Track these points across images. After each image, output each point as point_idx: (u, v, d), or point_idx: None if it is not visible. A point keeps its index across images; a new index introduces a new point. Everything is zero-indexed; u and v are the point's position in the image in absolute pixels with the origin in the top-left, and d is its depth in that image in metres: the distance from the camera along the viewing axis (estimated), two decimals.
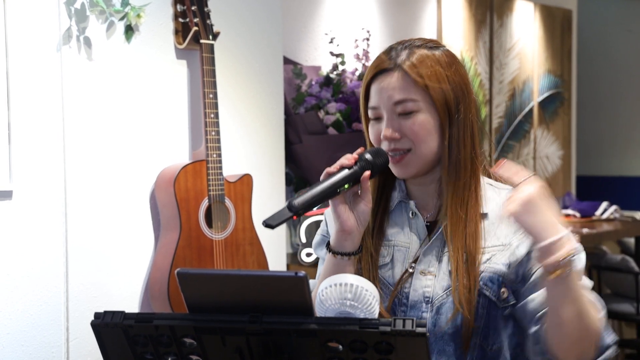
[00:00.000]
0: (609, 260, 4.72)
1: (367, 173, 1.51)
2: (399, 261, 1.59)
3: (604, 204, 5.25)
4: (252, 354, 1.23)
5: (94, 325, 1.26)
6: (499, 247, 1.54)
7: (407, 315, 1.53)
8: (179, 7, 2.78)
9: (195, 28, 2.75)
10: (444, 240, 1.56)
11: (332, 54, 3.67)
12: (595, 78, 6.38)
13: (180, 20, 2.79)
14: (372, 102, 1.56)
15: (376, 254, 1.60)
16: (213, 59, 2.75)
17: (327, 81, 3.57)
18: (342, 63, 3.66)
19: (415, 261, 1.57)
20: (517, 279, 1.53)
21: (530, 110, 5.15)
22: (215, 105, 2.72)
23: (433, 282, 1.54)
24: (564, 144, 5.50)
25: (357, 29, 3.91)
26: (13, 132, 2.42)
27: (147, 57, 2.76)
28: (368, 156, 1.52)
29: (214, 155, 2.70)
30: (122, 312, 1.25)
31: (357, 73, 3.68)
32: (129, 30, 2.67)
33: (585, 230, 4.72)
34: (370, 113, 1.58)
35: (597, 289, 4.79)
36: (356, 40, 3.81)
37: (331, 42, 3.69)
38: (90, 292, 2.62)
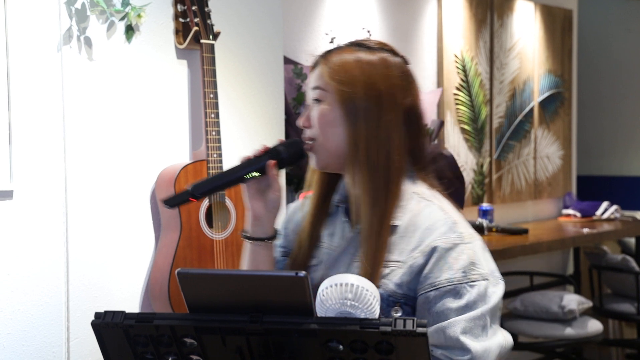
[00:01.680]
0: (609, 260, 4.72)
1: (272, 162, 1.58)
2: (325, 263, 1.60)
3: (605, 204, 5.25)
4: (252, 354, 1.23)
5: (94, 325, 1.26)
6: (398, 264, 1.51)
7: None
8: (179, 7, 2.78)
9: (195, 28, 2.75)
10: (358, 247, 1.55)
11: None
12: (595, 78, 6.38)
13: (181, 20, 2.79)
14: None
15: (308, 253, 1.64)
16: (213, 58, 2.75)
17: None
18: None
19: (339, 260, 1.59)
20: (409, 294, 1.49)
21: (531, 110, 5.15)
22: (216, 105, 2.72)
23: None
24: (565, 144, 5.50)
25: (357, 29, 3.91)
26: (13, 132, 2.42)
27: (147, 57, 2.76)
28: (280, 147, 1.59)
29: (215, 155, 2.70)
30: (123, 312, 1.25)
31: None
32: (130, 30, 2.67)
33: (585, 230, 4.72)
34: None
35: (597, 288, 4.79)
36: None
37: (331, 42, 3.69)
38: (91, 292, 2.62)
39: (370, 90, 1.54)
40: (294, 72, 3.56)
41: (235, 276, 1.27)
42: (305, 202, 1.72)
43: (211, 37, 2.77)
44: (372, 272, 1.49)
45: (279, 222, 1.74)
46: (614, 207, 5.25)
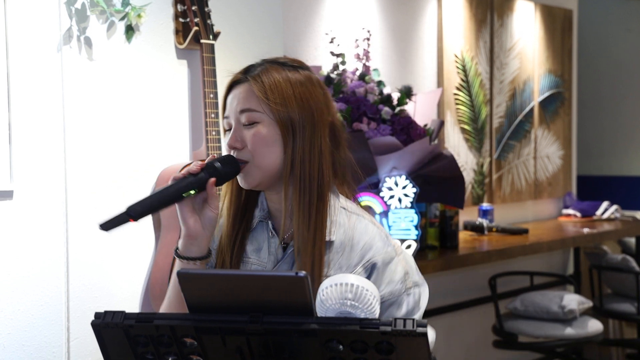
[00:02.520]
0: (609, 260, 4.72)
1: (212, 180, 1.54)
2: None
3: (605, 204, 5.25)
4: (253, 354, 1.23)
5: (94, 325, 1.26)
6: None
7: None
8: (179, 7, 2.78)
9: (195, 28, 2.75)
10: (293, 263, 1.57)
11: (332, 53, 3.67)
12: (595, 78, 6.38)
13: (181, 20, 2.79)
14: (225, 112, 1.61)
15: (236, 269, 1.61)
16: (213, 58, 2.75)
17: (327, 81, 3.57)
18: (343, 63, 3.66)
19: None
20: None
21: (531, 110, 5.15)
22: (216, 105, 2.72)
23: None
24: (565, 144, 5.50)
25: (358, 29, 3.91)
26: (13, 132, 2.42)
27: (147, 57, 2.76)
28: (217, 164, 1.55)
29: (215, 155, 2.70)
30: (123, 312, 1.25)
31: (358, 73, 3.68)
32: (130, 30, 2.67)
33: (586, 230, 4.72)
34: (224, 123, 1.62)
35: (597, 288, 4.79)
36: (356, 40, 3.81)
37: (331, 42, 3.69)
38: (91, 292, 2.62)
39: (304, 109, 1.57)
40: None
41: (235, 276, 1.27)
42: (221, 220, 1.69)
43: (211, 37, 2.77)
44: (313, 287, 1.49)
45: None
46: (614, 207, 5.25)
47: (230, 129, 1.60)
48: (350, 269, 1.55)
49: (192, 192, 1.54)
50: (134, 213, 1.47)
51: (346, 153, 1.67)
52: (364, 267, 1.56)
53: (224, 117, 1.62)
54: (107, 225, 1.46)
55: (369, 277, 1.54)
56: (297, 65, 1.62)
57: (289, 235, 1.61)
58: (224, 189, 1.68)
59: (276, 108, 1.55)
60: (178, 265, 1.60)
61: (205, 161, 1.57)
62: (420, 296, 1.60)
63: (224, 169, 1.56)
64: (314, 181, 1.56)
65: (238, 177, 1.60)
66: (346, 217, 1.59)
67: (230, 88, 1.61)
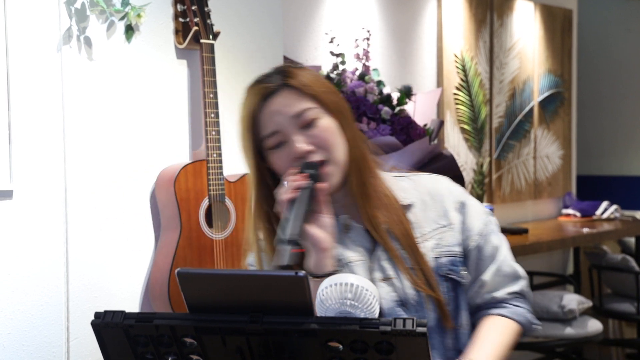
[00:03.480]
0: (609, 259, 4.72)
1: (325, 185, 1.49)
2: (353, 270, 1.58)
3: (605, 204, 5.25)
4: (253, 354, 1.23)
5: (94, 325, 1.26)
6: (441, 229, 1.59)
7: None
8: (179, 7, 2.78)
9: (195, 28, 2.75)
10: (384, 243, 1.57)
11: (332, 53, 3.67)
12: (595, 78, 6.38)
13: (181, 20, 2.79)
14: (268, 128, 1.54)
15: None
16: (213, 58, 2.75)
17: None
18: (343, 63, 3.67)
19: (370, 272, 1.56)
20: (462, 251, 1.60)
21: (531, 110, 5.15)
22: (216, 105, 2.72)
23: (396, 285, 1.54)
24: (565, 144, 5.50)
25: (357, 29, 3.91)
26: (13, 132, 2.42)
27: (147, 57, 2.76)
28: (310, 170, 1.50)
29: (214, 155, 2.70)
30: (123, 312, 1.25)
31: (358, 73, 3.68)
32: (129, 30, 2.67)
33: (585, 230, 4.72)
34: (268, 142, 1.55)
35: (597, 288, 4.79)
36: (356, 40, 3.81)
37: (331, 41, 3.69)
38: (91, 291, 2.62)
39: (338, 95, 1.59)
40: None
41: (235, 276, 1.27)
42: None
43: (211, 37, 2.77)
44: (414, 253, 1.54)
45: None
46: (614, 206, 5.25)
47: (277, 145, 1.54)
48: (446, 216, 1.59)
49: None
50: (294, 242, 1.39)
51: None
52: (455, 209, 1.61)
53: (265, 137, 1.54)
54: (283, 263, 1.37)
55: (463, 217, 1.60)
56: (300, 66, 1.65)
57: (357, 221, 1.59)
58: (253, 216, 1.60)
59: (325, 98, 1.54)
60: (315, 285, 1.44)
61: (297, 173, 1.49)
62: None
63: (318, 172, 1.50)
64: (366, 161, 1.58)
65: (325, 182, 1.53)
66: (406, 180, 1.63)
67: (260, 104, 1.55)
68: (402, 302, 1.53)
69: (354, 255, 1.58)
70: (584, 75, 6.15)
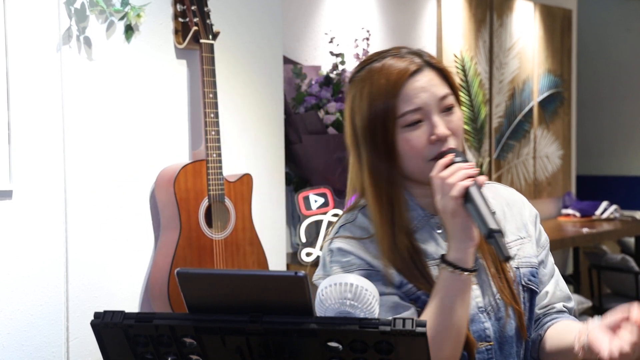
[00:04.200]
0: (609, 259, 4.72)
1: (484, 178, 1.43)
2: None
3: (604, 204, 5.26)
4: (252, 354, 1.23)
5: (94, 325, 1.26)
6: (521, 240, 1.56)
7: (471, 330, 1.47)
8: (178, 7, 2.78)
9: (195, 28, 2.75)
10: None
11: (332, 53, 3.67)
12: (595, 77, 6.38)
13: (180, 20, 2.79)
14: (413, 104, 1.45)
15: (429, 275, 1.48)
16: (213, 58, 2.75)
17: (327, 81, 3.57)
18: (342, 63, 3.67)
19: None
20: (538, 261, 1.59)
21: (530, 110, 5.15)
22: (215, 105, 2.72)
23: (480, 291, 1.50)
24: (564, 144, 5.50)
25: (357, 29, 3.91)
26: (13, 132, 2.42)
27: (147, 57, 2.76)
28: (459, 159, 1.42)
29: (214, 155, 2.70)
30: (122, 312, 1.25)
31: None
32: (129, 30, 2.67)
33: (585, 230, 4.72)
34: (408, 118, 1.44)
35: (597, 288, 4.79)
36: (356, 40, 3.81)
37: (331, 41, 3.69)
38: (91, 291, 2.62)
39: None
40: (294, 72, 3.56)
41: (235, 276, 1.27)
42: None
43: (210, 37, 2.77)
44: (500, 265, 1.52)
45: (350, 257, 1.50)
46: (614, 206, 5.26)
47: (414, 123, 1.44)
48: (524, 227, 1.58)
49: None
50: (497, 229, 1.34)
51: None
52: (532, 222, 1.60)
53: (408, 112, 1.44)
54: (509, 254, 1.33)
55: (536, 228, 1.60)
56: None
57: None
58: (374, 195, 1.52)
59: (457, 88, 1.51)
60: (466, 284, 1.41)
61: (449, 161, 1.41)
62: None
63: (464, 160, 1.43)
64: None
65: None
66: (490, 189, 1.58)
67: (406, 80, 1.45)
68: (485, 309, 1.49)
69: (432, 256, 1.51)
70: (584, 75, 6.15)
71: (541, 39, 5.22)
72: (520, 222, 1.58)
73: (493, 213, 1.36)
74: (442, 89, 1.47)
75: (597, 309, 4.64)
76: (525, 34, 5.09)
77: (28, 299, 2.46)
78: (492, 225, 1.33)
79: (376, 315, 1.28)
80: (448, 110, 1.47)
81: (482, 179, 1.41)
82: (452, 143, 1.45)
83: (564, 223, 5.10)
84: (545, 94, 5.28)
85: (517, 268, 1.53)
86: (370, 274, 1.46)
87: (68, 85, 2.54)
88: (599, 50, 6.38)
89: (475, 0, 4.68)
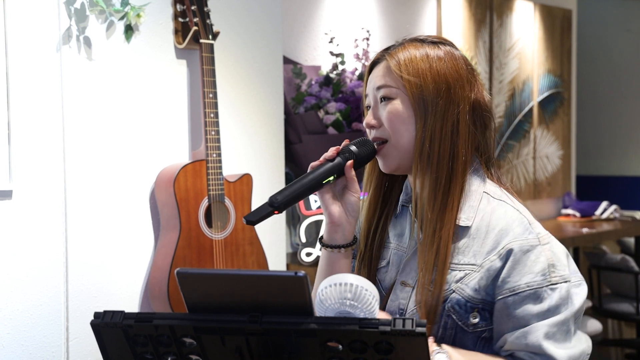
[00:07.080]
0: (608, 260, 4.72)
1: (350, 162, 1.51)
2: (395, 265, 1.56)
3: (604, 204, 5.26)
4: (252, 354, 1.23)
5: (93, 325, 1.26)
6: (473, 267, 1.45)
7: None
8: (178, 7, 2.78)
9: (195, 28, 2.75)
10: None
11: (332, 53, 3.67)
12: (595, 78, 6.38)
13: (180, 20, 2.79)
14: (365, 92, 1.58)
15: (377, 254, 1.59)
16: (213, 58, 2.75)
17: (326, 81, 3.57)
18: (342, 63, 3.67)
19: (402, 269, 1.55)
20: (487, 299, 1.45)
21: (530, 110, 5.15)
22: (215, 105, 2.72)
23: (409, 294, 1.51)
24: (564, 144, 5.50)
25: (357, 29, 3.91)
26: (13, 132, 2.42)
27: (147, 57, 2.76)
28: (352, 147, 1.52)
29: (214, 155, 2.70)
30: (122, 312, 1.25)
31: (357, 73, 3.68)
32: (129, 30, 2.67)
33: (585, 230, 4.72)
34: (364, 104, 1.59)
35: (597, 288, 4.79)
36: (356, 40, 3.81)
37: (331, 41, 3.69)
38: (90, 291, 2.62)
39: (439, 84, 1.50)
40: (293, 71, 3.56)
41: (234, 276, 1.27)
42: (362, 204, 1.63)
43: (210, 37, 2.77)
44: (437, 275, 1.44)
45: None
46: (613, 207, 5.25)
47: (367, 107, 1.57)
48: (484, 256, 1.44)
49: (332, 178, 1.49)
50: (277, 204, 1.42)
51: (492, 134, 1.63)
52: (499, 254, 1.43)
53: (365, 98, 1.58)
54: (252, 219, 1.40)
55: (503, 266, 1.42)
56: (438, 41, 1.55)
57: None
58: (367, 175, 1.62)
59: (410, 83, 1.50)
60: (325, 255, 1.55)
61: (341, 146, 1.53)
62: (570, 293, 1.43)
63: (360, 151, 1.52)
64: (443, 160, 1.49)
65: (378, 161, 1.55)
66: (487, 203, 1.50)
67: (370, 69, 1.57)
68: (403, 313, 1.50)
69: (402, 245, 1.57)
70: (584, 76, 6.15)
71: (541, 39, 5.22)
72: (484, 250, 1.45)
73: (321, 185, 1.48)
74: (382, 80, 1.53)
75: (597, 309, 4.64)
76: (525, 34, 5.09)
77: (27, 299, 2.46)
78: (277, 195, 1.43)
79: (376, 315, 1.28)
80: (384, 100, 1.52)
81: (349, 165, 1.51)
82: (376, 133, 1.54)
83: (564, 223, 5.10)
84: (545, 94, 5.28)
85: (453, 291, 1.45)
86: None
87: (68, 85, 2.54)
88: (599, 50, 6.38)
89: (475, 0, 4.68)
